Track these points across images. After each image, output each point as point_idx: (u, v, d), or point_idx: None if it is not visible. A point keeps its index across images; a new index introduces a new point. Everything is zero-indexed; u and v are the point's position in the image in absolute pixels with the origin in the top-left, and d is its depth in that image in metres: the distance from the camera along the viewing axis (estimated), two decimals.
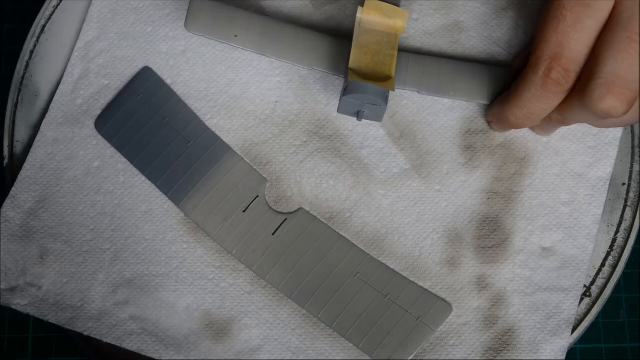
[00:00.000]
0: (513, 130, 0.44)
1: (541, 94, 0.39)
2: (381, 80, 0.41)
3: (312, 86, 0.45)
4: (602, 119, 0.38)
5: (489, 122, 0.44)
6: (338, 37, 0.44)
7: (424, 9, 0.46)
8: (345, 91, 0.41)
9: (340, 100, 0.41)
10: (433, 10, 0.46)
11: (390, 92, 0.42)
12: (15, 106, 0.46)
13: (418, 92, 0.43)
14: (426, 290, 0.43)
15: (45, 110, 0.46)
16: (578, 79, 0.38)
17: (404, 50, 0.45)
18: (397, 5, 0.42)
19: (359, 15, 0.41)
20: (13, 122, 0.46)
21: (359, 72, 0.41)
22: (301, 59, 0.44)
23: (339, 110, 0.42)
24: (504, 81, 0.43)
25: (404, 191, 0.44)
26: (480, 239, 0.43)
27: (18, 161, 0.45)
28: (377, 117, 0.42)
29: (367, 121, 0.44)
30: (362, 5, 0.42)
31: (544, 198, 0.44)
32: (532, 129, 0.44)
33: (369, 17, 0.41)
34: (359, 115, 0.42)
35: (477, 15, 0.46)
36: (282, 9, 0.46)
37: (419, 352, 0.42)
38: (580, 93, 0.37)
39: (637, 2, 0.36)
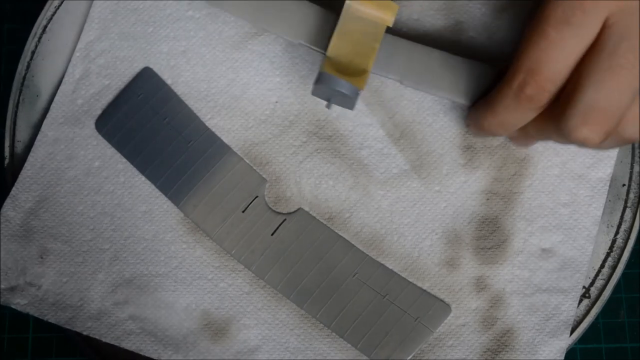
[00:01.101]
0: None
1: (514, 107, 0.38)
2: (357, 73, 0.40)
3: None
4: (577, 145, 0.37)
5: (467, 125, 0.43)
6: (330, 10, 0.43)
7: (425, 9, 0.46)
8: (316, 80, 0.40)
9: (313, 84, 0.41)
10: (433, 10, 0.46)
11: (387, 89, 0.42)
12: (17, 106, 0.46)
13: (400, 82, 0.42)
14: (425, 290, 0.43)
15: (46, 110, 0.46)
16: (557, 98, 0.37)
17: (395, 34, 0.44)
18: None
19: (348, 0, 0.40)
20: (14, 122, 0.46)
21: (335, 60, 0.40)
22: (288, 31, 0.43)
23: (312, 93, 0.42)
24: (488, 83, 0.42)
25: (404, 192, 0.44)
26: (480, 240, 0.43)
27: (19, 161, 0.46)
28: (349, 106, 0.42)
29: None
30: None
31: (544, 199, 0.44)
32: (510, 140, 0.43)
33: (358, 3, 0.40)
34: (329, 102, 0.41)
35: (478, 16, 0.46)
36: None
37: (418, 353, 0.42)
38: (556, 117, 0.36)
39: (624, 30, 0.35)
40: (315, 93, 0.42)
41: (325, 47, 0.41)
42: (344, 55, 0.40)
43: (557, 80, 0.36)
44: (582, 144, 0.36)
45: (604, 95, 0.35)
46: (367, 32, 0.41)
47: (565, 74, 0.36)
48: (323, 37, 0.42)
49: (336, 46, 0.40)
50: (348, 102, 0.41)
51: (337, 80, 0.40)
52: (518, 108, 0.38)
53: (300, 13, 0.43)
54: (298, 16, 0.43)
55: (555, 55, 0.36)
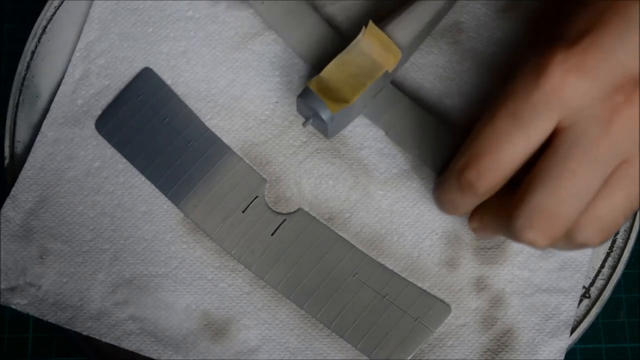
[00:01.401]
0: None
1: (455, 188, 0.37)
2: (338, 100, 0.40)
3: None
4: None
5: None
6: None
7: None
8: (300, 93, 0.41)
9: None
10: None
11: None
12: (17, 106, 0.46)
13: (385, 133, 0.44)
14: (425, 291, 0.42)
15: (46, 110, 0.46)
16: (509, 190, 0.36)
17: (399, 85, 0.45)
18: (406, 57, 0.43)
19: (360, 36, 0.41)
20: (14, 123, 0.46)
21: (325, 82, 0.41)
22: (293, 40, 0.44)
23: (297, 108, 0.43)
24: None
25: (404, 192, 0.44)
26: (480, 240, 0.43)
27: (19, 161, 0.46)
28: (324, 132, 0.43)
29: (367, 120, 0.44)
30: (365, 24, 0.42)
31: None
32: (473, 231, 0.42)
33: (368, 41, 0.41)
34: (306, 121, 0.42)
35: (478, 16, 0.46)
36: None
37: (417, 353, 0.42)
38: (506, 216, 0.36)
39: (577, 135, 0.34)
40: (299, 108, 0.43)
41: (321, 66, 0.42)
42: (335, 81, 0.41)
43: (499, 171, 0.36)
44: (530, 245, 0.36)
45: (553, 201, 0.34)
46: (365, 68, 0.41)
47: (510, 168, 0.36)
48: (322, 56, 0.44)
49: (332, 71, 0.41)
50: (323, 127, 0.42)
51: (318, 100, 0.40)
52: (459, 190, 0.37)
53: (310, 27, 0.44)
54: (306, 28, 0.44)
55: (499, 146, 0.35)
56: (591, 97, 0.34)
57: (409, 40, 0.42)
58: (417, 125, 0.43)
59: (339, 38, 0.45)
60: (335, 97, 0.40)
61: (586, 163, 0.34)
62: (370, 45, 0.41)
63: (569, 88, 0.34)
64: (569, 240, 0.36)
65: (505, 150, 0.35)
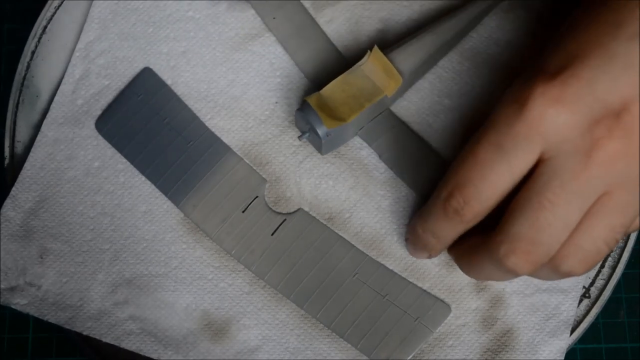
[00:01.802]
0: None
1: (441, 216, 0.38)
2: (335, 117, 0.41)
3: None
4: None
5: (405, 240, 0.43)
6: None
7: (425, 9, 0.46)
8: (299, 107, 0.42)
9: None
10: (434, 10, 0.46)
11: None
12: (17, 106, 0.46)
13: (379, 156, 0.44)
14: (425, 291, 0.42)
15: (46, 110, 0.46)
16: (490, 223, 0.37)
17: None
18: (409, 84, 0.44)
19: (364, 59, 0.42)
20: (14, 122, 0.46)
21: (325, 100, 0.41)
22: (312, 72, 0.45)
23: (295, 123, 0.44)
24: None
25: (404, 192, 0.44)
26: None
27: (19, 161, 0.46)
28: (318, 148, 0.44)
29: None
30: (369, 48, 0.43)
31: None
32: (463, 270, 0.42)
33: (371, 65, 0.42)
34: (302, 135, 0.43)
35: None
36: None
37: (418, 353, 0.42)
38: (489, 246, 0.36)
39: (557, 167, 0.34)
40: (296, 122, 0.44)
41: (322, 84, 0.43)
42: (334, 100, 0.42)
43: (484, 200, 0.36)
44: (514, 272, 0.36)
45: (533, 229, 0.35)
46: (365, 90, 0.42)
47: (494, 196, 0.36)
48: (324, 75, 0.45)
49: (332, 89, 0.42)
50: (318, 142, 0.43)
51: (315, 115, 0.41)
52: (445, 219, 0.38)
53: (317, 47, 0.46)
54: (314, 48, 0.45)
55: (482, 175, 0.36)
56: (571, 130, 0.34)
57: (411, 68, 0.43)
58: (410, 153, 0.44)
59: (344, 60, 0.45)
60: (332, 114, 0.41)
61: (564, 195, 0.34)
62: (373, 69, 0.42)
63: (548, 120, 0.34)
64: (553, 269, 0.36)
65: (489, 180, 0.36)
